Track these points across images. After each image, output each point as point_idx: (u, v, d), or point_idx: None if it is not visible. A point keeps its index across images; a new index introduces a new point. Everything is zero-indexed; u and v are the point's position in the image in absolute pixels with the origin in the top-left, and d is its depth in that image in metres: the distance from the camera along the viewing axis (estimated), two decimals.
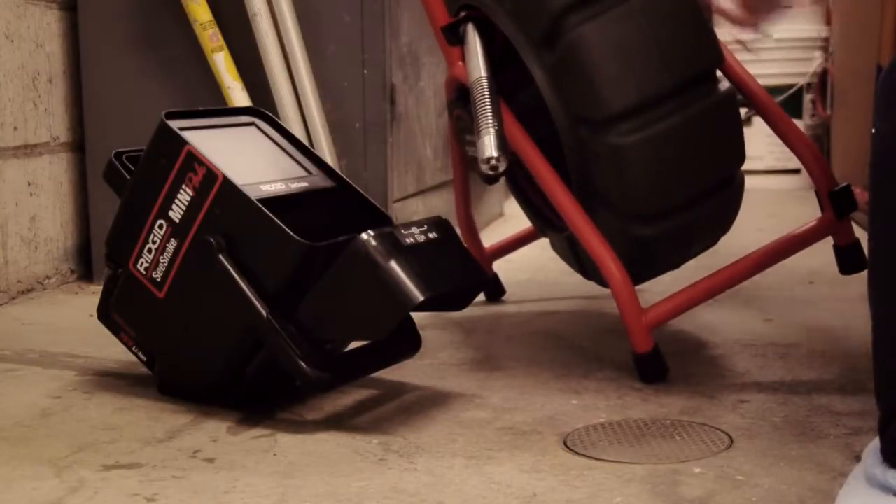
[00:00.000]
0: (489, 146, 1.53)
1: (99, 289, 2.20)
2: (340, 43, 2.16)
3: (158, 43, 2.20)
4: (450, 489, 1.14)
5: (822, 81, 4.25)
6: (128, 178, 1.42)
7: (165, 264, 1.38)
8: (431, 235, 1.38)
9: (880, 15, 3.35)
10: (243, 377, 1.39)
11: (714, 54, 1.58)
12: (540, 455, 1.24)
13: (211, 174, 1.33)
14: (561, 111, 1.57)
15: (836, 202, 1.61)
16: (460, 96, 1.74)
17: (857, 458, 1.16)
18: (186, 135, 1.37)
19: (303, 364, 1.30)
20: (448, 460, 1.23)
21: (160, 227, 1.37)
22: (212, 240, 1.33)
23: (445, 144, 2.61)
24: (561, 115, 1.58)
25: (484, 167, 1.53)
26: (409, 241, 1.33)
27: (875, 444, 0.96)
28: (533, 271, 2.29)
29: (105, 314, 1.47)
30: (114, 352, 1.65)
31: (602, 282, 1.80)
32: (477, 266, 1.44)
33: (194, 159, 1.34)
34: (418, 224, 1.38)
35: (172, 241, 1.37)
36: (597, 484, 1.15)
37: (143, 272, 1.40)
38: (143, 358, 1.45)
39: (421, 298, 1.28)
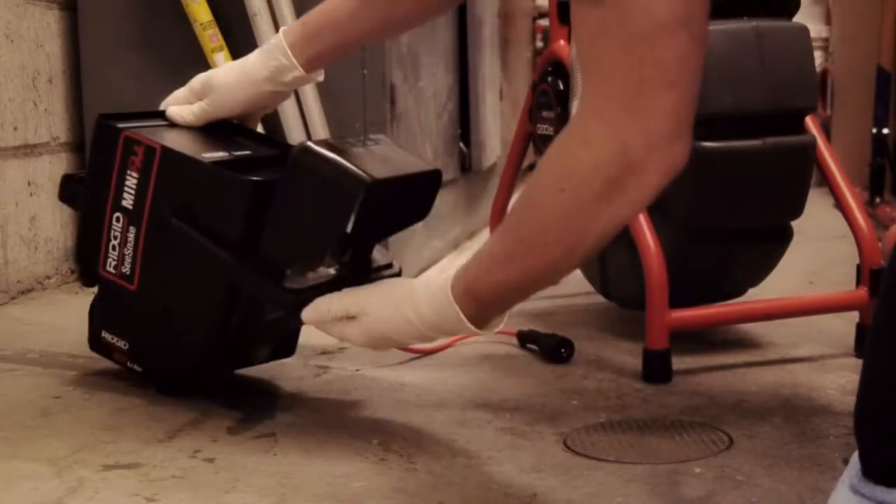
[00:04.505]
0: None
1: None
2: None
3: (158, 43, 2.19)
4: (450, 489, 1.14)
5: (822, 81, 4.26)
6: (80, 192, 1.44)
7: (130, 255, 1.38)
8: (373, 146, 1.36)
9: (880, 15, 3.35)
10: (227, 350, 1.39)
11: (811, 100, 1.64)
12: (540, 455, 1.24)
13: (149, 150, 1.34)
14: None
15: (875, 280, 1.63)
16: (553, 72, 1.83)
17: (845, 462, 1.16)
18: (123, 125, 1.38)
19: (278, 288, 1.29)
20: (448, 460, 1.23)
21: (117, 220, 1.38)
22: (163, 210, 1.34)
23: (445, 144, 2.61)
24: None
25: None
26: (351, 147, 1.32)
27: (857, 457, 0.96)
28: None
29: (95, 340, 1.47)
30: None
31: (622, 300, 1.82)
32: (425, 164, 1.42)
33: (132, 142, 1.36)
34: (357, 138, 1.37)
35: (131, 229, 1.37)
36: (597, 484, 1.15)
37: (113, 271, 1.40)
38: (140, 369, 1.44)
39: (371, 179, 1.25)
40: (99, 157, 1.40)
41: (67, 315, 1.98)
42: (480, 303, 1.17)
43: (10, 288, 2.08)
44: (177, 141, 1.38)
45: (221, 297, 1.36)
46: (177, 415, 1.38)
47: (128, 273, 1.39)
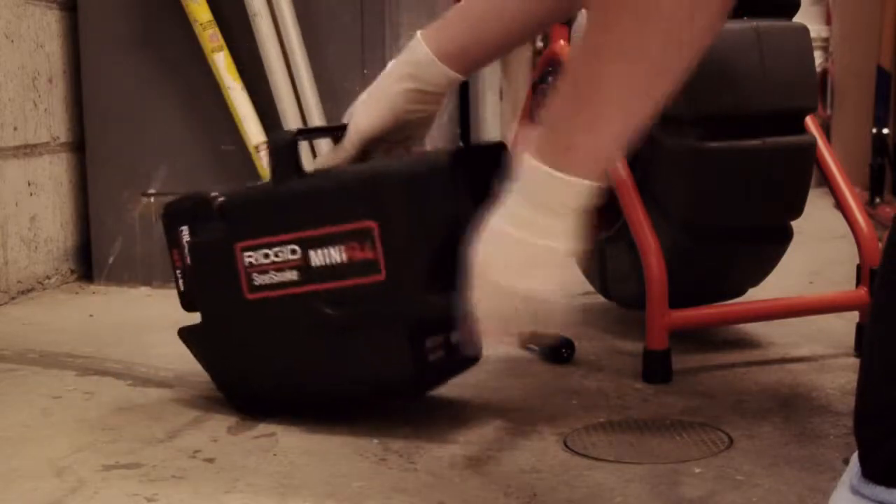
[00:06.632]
0: None
1: (99, 288, 2.20)
2: (340, 43, 2.16)
3: (158, 43, 2.20)
4: (450, 489, 1.14)
5: (822, 81, 4.26)
6: (299, 168, 1.31)
7: (272, 281, 1.30)
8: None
9: (880, 15, 3.35)
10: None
11: (812, 100, 1.64)
12: (540, 455, 1.24)
13: (375, 265, 1.23)
14: None
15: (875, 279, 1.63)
16: (553, 71, 1.84)
17: (846, 462, 1.16)
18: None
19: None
20: (448, 460, 1.23)
21: (293, 251, 1.27)
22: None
23: (445, 144, 2.61)
24: None
25: None
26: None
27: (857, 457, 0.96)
28: None
29: (170, 220, 1.37)
30: (114, 352, 1.65)
31: (622, 300, 1.82)
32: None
33: (369, 236, 1.23)
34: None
35: (293, 272, 1.28)
36: (597, 484, 1.15)
37: (247, 263, 1.31)
38: (182, 288, 1.38)
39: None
40: (349, 196, 1.26)
41: (67, 315, 1.98)
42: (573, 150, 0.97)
43: (10, 288, 2.08)
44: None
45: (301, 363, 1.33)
46: (177, 415, 1.38)
47: (256, 284, 1.31)
